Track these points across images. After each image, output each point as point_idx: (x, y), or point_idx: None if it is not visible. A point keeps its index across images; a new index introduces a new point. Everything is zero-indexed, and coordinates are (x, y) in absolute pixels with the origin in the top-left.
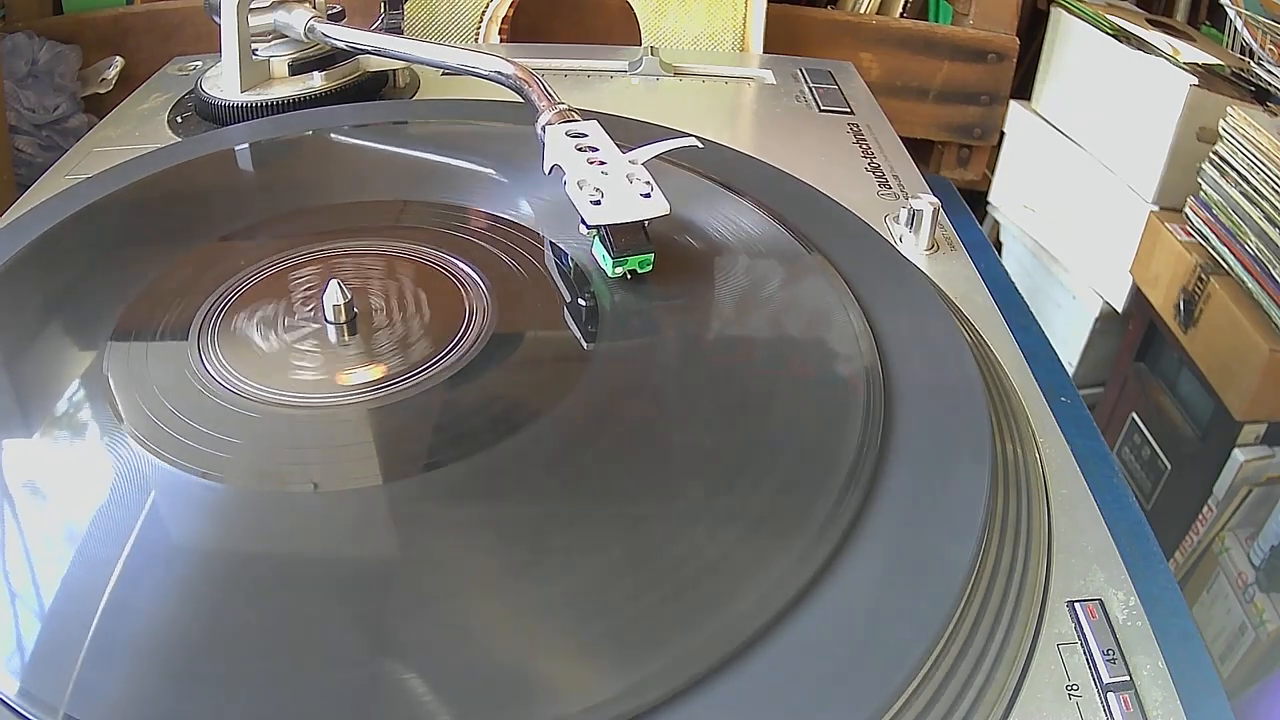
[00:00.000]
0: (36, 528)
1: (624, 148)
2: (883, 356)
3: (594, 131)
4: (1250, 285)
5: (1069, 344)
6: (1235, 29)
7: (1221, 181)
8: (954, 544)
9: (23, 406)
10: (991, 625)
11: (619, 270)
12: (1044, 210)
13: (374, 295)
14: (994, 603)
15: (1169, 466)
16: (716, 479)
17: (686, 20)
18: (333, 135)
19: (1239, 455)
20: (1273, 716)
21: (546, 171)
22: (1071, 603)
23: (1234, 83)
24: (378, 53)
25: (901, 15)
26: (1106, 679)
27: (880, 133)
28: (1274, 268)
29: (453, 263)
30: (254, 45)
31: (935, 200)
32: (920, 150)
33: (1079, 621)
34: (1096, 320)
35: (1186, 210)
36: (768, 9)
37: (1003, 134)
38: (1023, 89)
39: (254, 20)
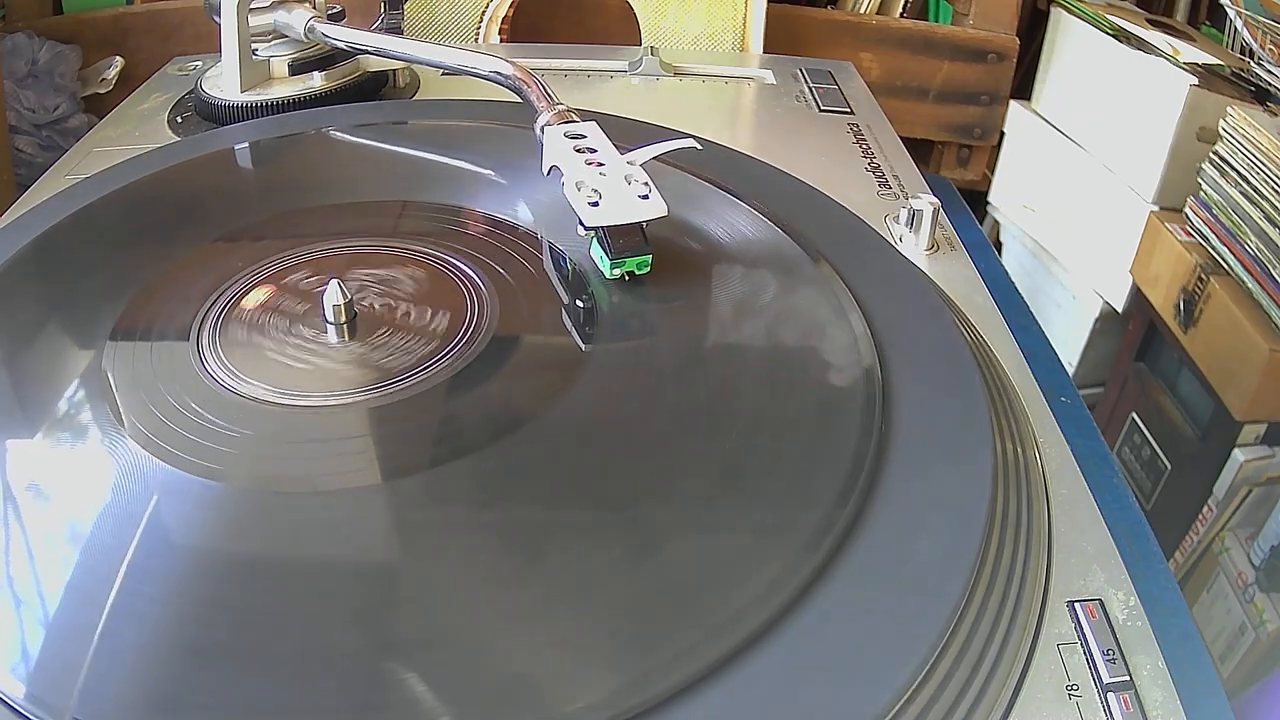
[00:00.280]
0: (38, 530)
1: (623, 149)
2: (882, 357)
3: (593, 132)
4: (1250, 285)
5: (1069, 344)
6: (1235, 29)
7: (1221, 181)
8: (954, 544)
9: (23, 407)
10: (991, 625)
11: (617, 272)
12: (1044, 210)
13: (374, 296)
14: (994, 603)
15: (1169, 466)
16: (716, 479)
17: (686, 20)
18: (333, 135)
19: (1239, 455)
20: (1273, 716)
21: (545, 172)
22: (1071, 603)
23: (1234, 83)
24: (378, 53)
25: (901, 15)
26: (1106, 679)
27: (880, 133)
28: (1274, 268)
29: (452, 264)
30: (254, 45)
31: (935, 200)
32: (920, 150)
33: (1079, 621)
34: (1096, 320)
35: (1186, 210)
36: (768, 9)
37: (1003, 134)
38: (1023, 89)
39: (254, 20)
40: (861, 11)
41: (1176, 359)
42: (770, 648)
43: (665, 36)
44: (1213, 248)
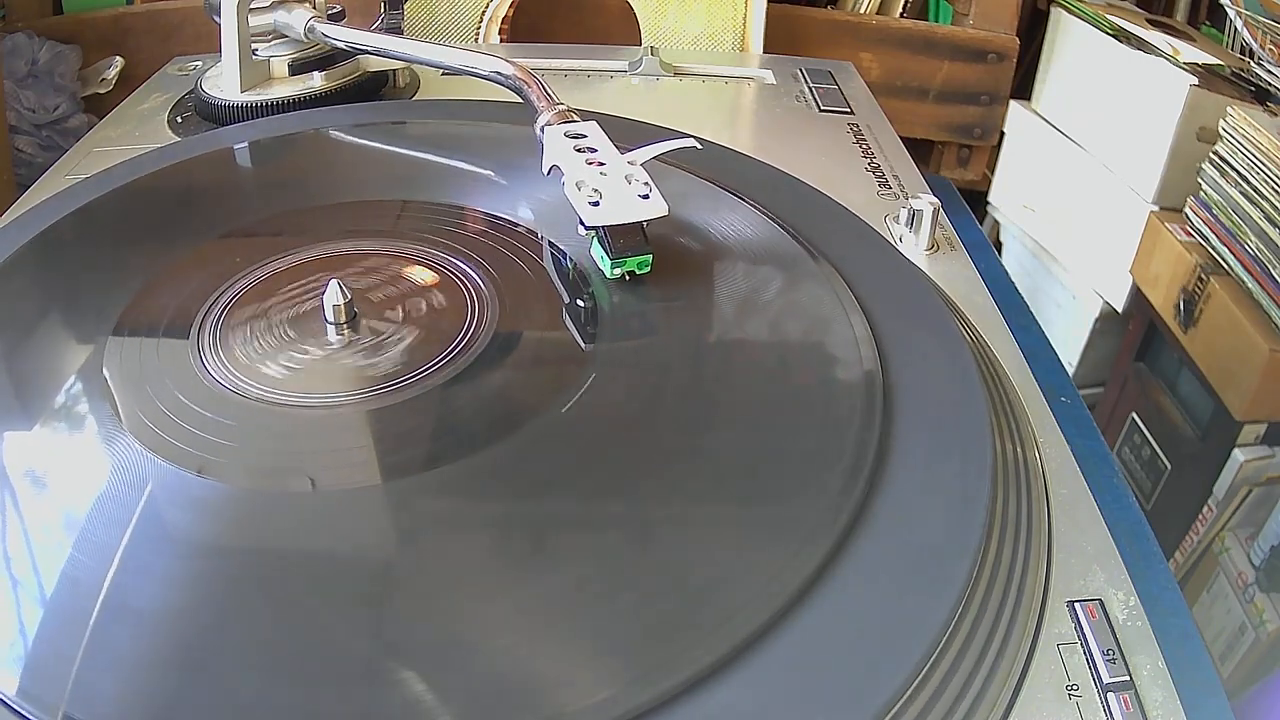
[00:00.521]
0: (35, 526)
1: (623, 148)
2: (883, 357)
3: (593, 132)
4: (1250, 285)
5: (1069, 344)
6: (1235, 29)
7: (1221, 181)
8: (954, 544)
9: (23, 405)
10: (991, 625)
11: (617, 271)
12: (1044, 210)
13: (374, 295)
14: (994, 603)
15: (1169, 466)
16: (716, 479)
17: (686, 20)
18: (332, 135)
19: (1239, 455)
20: (1273, 716)
21: (545, 172)
22: (1071, 603)
23: (1234, 83)
24: (378, 53)
25: (901, 15)
26: (1106, 679)
27: (880, 133)
28: (1274, 268)
29: (452, 263)
30: (254, 45)
31: (935, 200)
32: (920, 150)
33: (1079, 621)
34: (1096, 320)
35: (1186, 210)
36: (768, 9)
37: (1003, 134)
38: (1023, 89)
39: (254, 20)
40: (861, 11)
41: (1176, 359)
42: (770, 647)
43: (665, 36)
44: (1213, 248)
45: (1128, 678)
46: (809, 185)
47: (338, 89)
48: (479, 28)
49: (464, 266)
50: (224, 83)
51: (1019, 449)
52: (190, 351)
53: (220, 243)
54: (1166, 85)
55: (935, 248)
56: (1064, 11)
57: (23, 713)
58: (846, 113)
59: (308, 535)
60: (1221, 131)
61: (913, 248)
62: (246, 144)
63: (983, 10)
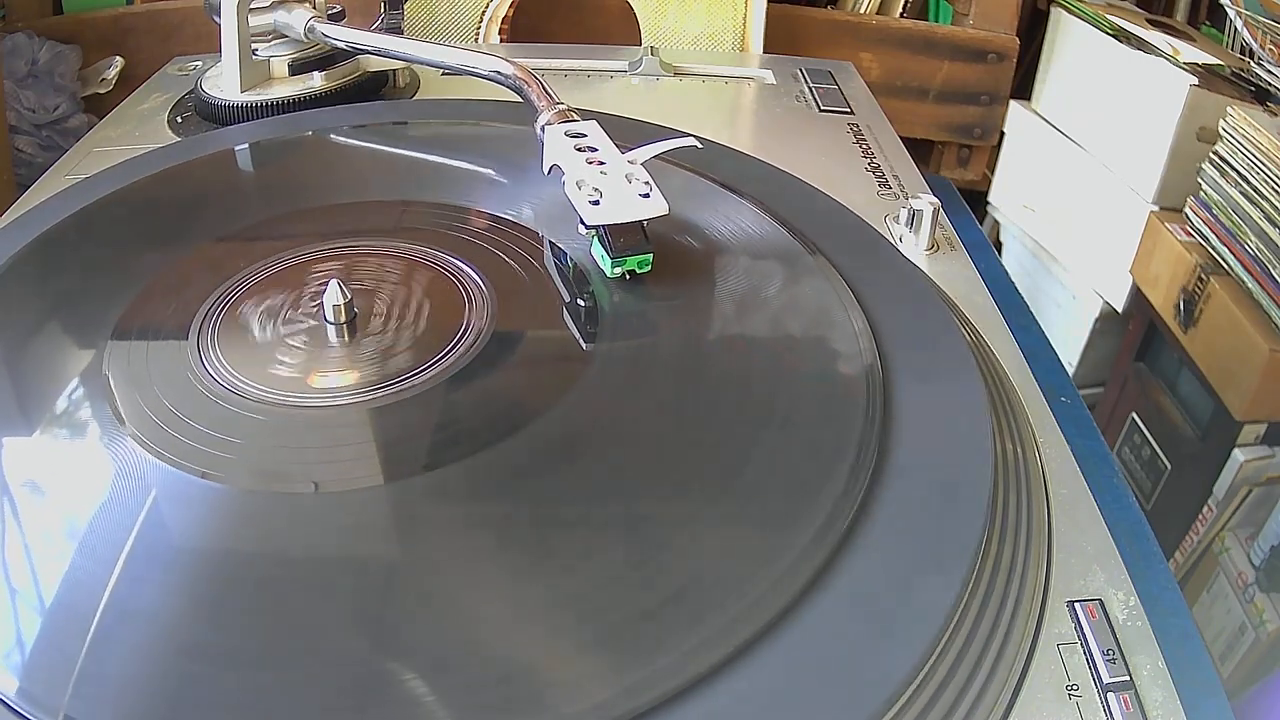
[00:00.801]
0: (37, 527)
1: (623, 148)
2: (883, 356)
3: (593, 131)
4: (1250, 285)
5: (1069, 344)
6: (1235, 29)
7: (1221, 181)
8: (954, 544)
9: (23, 407)
10: (991, 625)
11: (618, 270)
12: (1044, 210)
13: (374, 295)
14: (994, 603)
15: (1169, 466)
16: (716, 479)
17: (686, 20)
18: (332, 135)
19: (1239, 455)
20: (1273, 716)
21: (546, 171)
22: (1071, 603)
23: (1234, 83)
24: (378, 53)
25: (901, 15)
26: (1106, 679)
27: (880, 133)
28: (1274, 268)
29: (452, 263)
30: (254, 45)
31: (935, 200)
32: (920, 150)
33: (1079, 621)
34: (1096, 320)
35: (1186, 210)
36: (768, 9)
37: (1003, 134)
38: (1023, 89)
39: (254, 20)
40: (861, 11)
41: (1176, 359)
42: (770, 648)
43: (665, 36)
44: (1213, 248)
45: (1128, 678)
46: (809, 185)
47: (338, 89)
48: (479, 28)
49: (464, 266)
50: (224, 83)
51: (1019, 449)
52: (190, 352)
53: (220, 243)
54: (1166, 85)
55: (935, 248)
56: (1064, 11)
57: (24, 714)
58: (846, 113)
59: (309, 536)
60: (1221, 131)
61: (913, 248)
62: (247, 144)
63: (983, 10)
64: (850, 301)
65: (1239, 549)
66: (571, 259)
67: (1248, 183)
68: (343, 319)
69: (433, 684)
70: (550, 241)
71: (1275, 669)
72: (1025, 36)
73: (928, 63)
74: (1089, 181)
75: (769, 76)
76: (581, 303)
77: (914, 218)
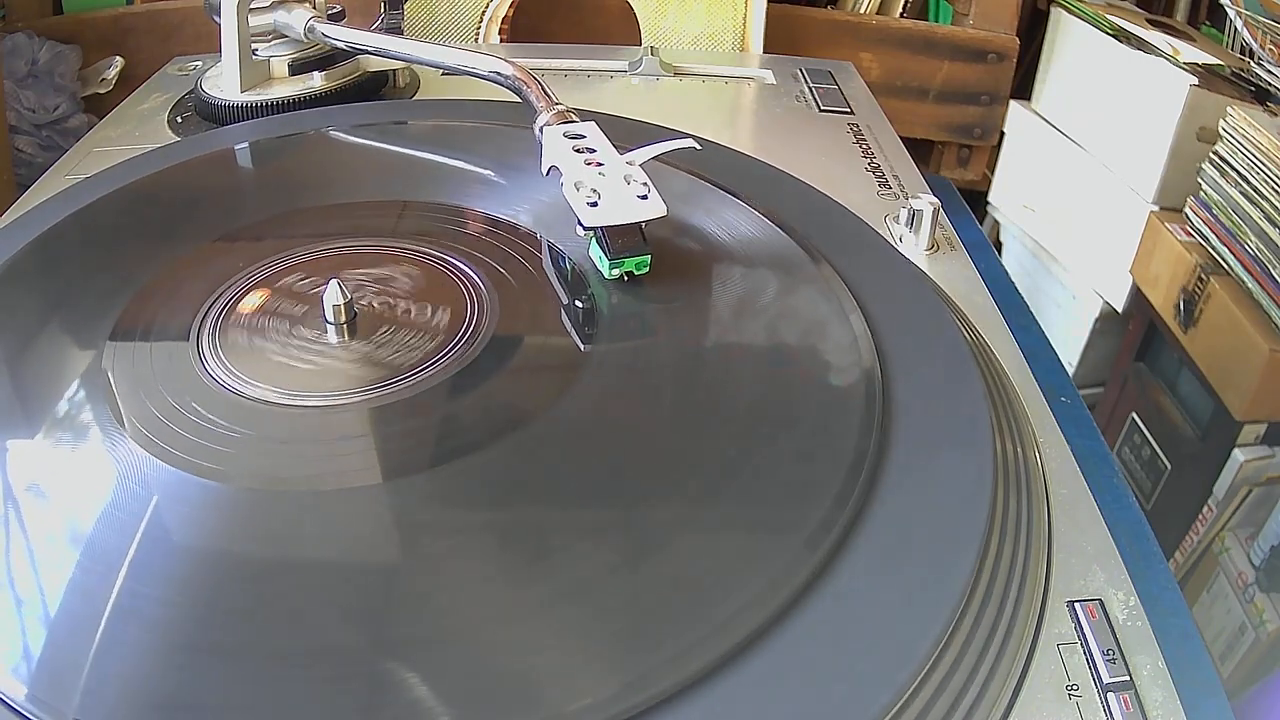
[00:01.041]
0: (39, 531)
1: (622, 149)
2: (882, 357)
3: (592, 132)
4: (1250, 285)
5: (1069, 344)
6: (1235, 29)
7: (1221, 181)
8: (954, 544)
9: (24, 408)
10: (991, 625)
11: (615, 272)
12: (1044, 210)
13: (374, 295)
14: (994, 603)
15: (1169, 466)
16: (715, 480)
17: (686, 20)
18: (332, 135)
19: (1239, 455)
20: (1273, 716)
21: (544, 172)
22: (1071, 603)
23: (1234, 83)
24: (377, 53)
25: (901, 15)
26: (1106, 679)
27: (880, 133)
28: (1274, 268)
29: (451, 263)
30: (254, 45)
31: (935, 200)
32: (920, 150)
33: (1079, 621)
34: (1096, 320)
35: (1186, 210)
36: (768, 9)
37: (1003, 134)
38: (1023, 89)
39: (254, 20)
40: (861, 11)
41: (1176, 359)
42: (770, 647)
43: (665, 36)
44: (1213, 248)
45: (1128, 678)
46: (809, 185)
47: (338, 89)
48: (479, 28)
49: (463, 267)
50: (224, 83)
51: (1019, 449)
52: (190, 352)
53: (220, 243)
54: (1166, 85)
55: (935, 248)
56: (1064, 11)
57: (32, 718)
58: (846, 113)
59: (311, 536)
60: (1221, 131)
61: (913, 248)
62: (247, 144)
63: (983, 10)
64: (850, 302)
65: (1239, 549)
66: (570, 260)
67: (1248, 183)
68: (342, 319)
69: (432, 683)
70: (549, 243)
71: (1275, 669)
72: (1025, 36)
73: (928, 63)
74: (1089, 181)
75: (769, 76)
76: (580, 304)
77: (914, 218)
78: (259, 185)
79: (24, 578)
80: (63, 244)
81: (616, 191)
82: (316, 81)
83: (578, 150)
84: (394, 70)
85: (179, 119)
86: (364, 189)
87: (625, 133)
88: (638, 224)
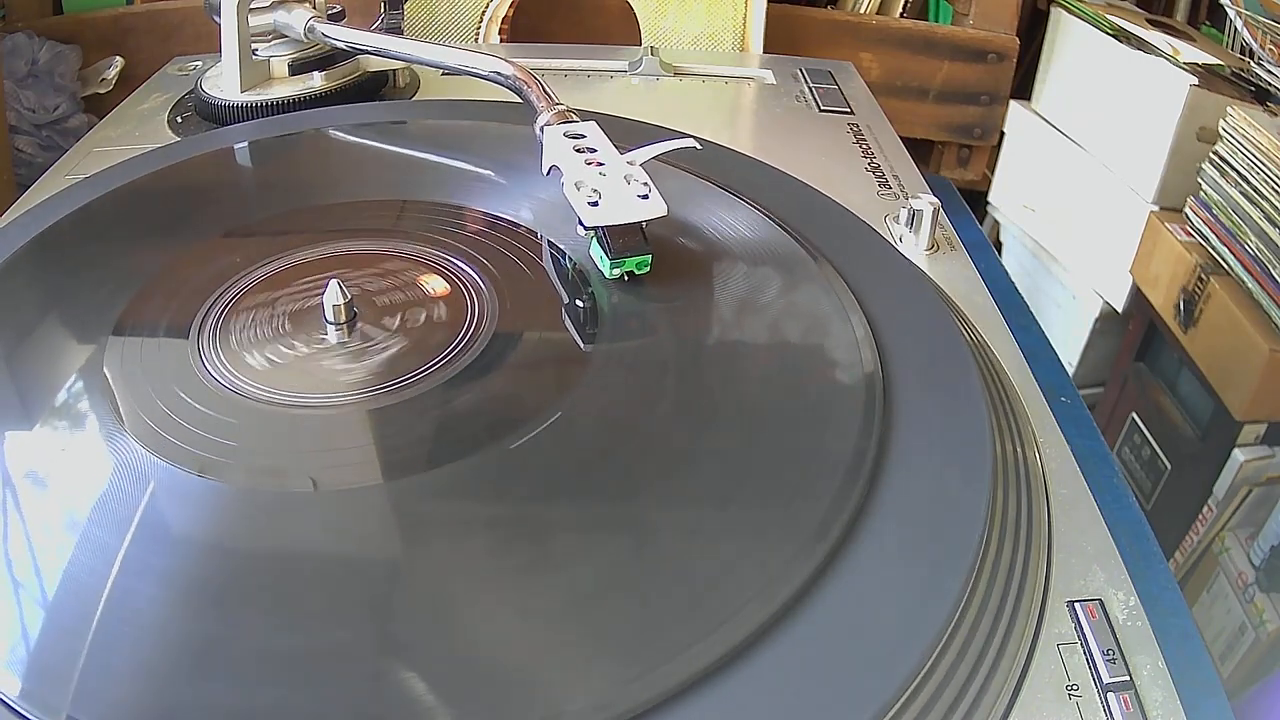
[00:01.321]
0: (37, 527)
1: (622, 148)
2: (883, 357)
3: (592, 132)
4: (1250, 285)
5: (1069, 344)
6: (1235, 29)
7: (1221, 181)
8: (954, 544)
9: (23, 406)
10: (991, 625)
11: (616, 272)
12: (1044, 210)
13: (374, 295)
14: (994, 603)
15: (1169, 466)
16: (716, 480)
17: (686, 20)
18: (332, 135)
19: (1239, 455)
20: (1273, 716)
21: (545, 172)
22: (1071, 603)
23: (1234, 83)
24: (378, 53)
25: (901, 15)
26: (1106, 679)
27: (880, 133)
28: (1274, 268)
29: (452, 263)
30: (254, 45)
31: (935, 200)
32: (920, 150)
33: (1079, 621)
34: (1096, 320)
35: (1186, 210)
36: (768, 9)
37: (1003, 134)
38: (1023, 89)
39: (254, 20)
40: (861, 11)
41: (1176, 359)
42: (770, 647)
43: (665, 36)
44: (1213, 248)
45: (1128, 678)
46: (809, 185)
47: (338, 89)
48: (479, 28)
49: (464, 266)
50: (224, 83)
51: (1019, 449)
52: (190, 351)
53: (220, 242)
54: (1166, 85)
55: (935, 248)
56: (1064, 11)
57: (26, 715)
58: (846, 113)
59: (309, 535)
60: (1221, 131)
61: (913, 248)
62: (246, 144)
63: (983, 10)
64: (850, 302)
65: (1239, 549)
66: (571, 260)
67: (1248, 183)
68: (343, 319)
69: (432, 683)
70: (550, 242)
71: (1275, 669)
72: (1025, 36)
73: (928, 63)
74: (1089, 181)
75: (769, 76)
76: (580, 304)
77: (914, 218)
78: (259, 185)
79: (20, 574)
80: (63, 244)
81: (617, 191)
82: (316, 81)
83: (578, 150)
84: (394, 70)
85: (179, 119)
86: (364, 189)
87: (625, 133)
88: (638, 224)
